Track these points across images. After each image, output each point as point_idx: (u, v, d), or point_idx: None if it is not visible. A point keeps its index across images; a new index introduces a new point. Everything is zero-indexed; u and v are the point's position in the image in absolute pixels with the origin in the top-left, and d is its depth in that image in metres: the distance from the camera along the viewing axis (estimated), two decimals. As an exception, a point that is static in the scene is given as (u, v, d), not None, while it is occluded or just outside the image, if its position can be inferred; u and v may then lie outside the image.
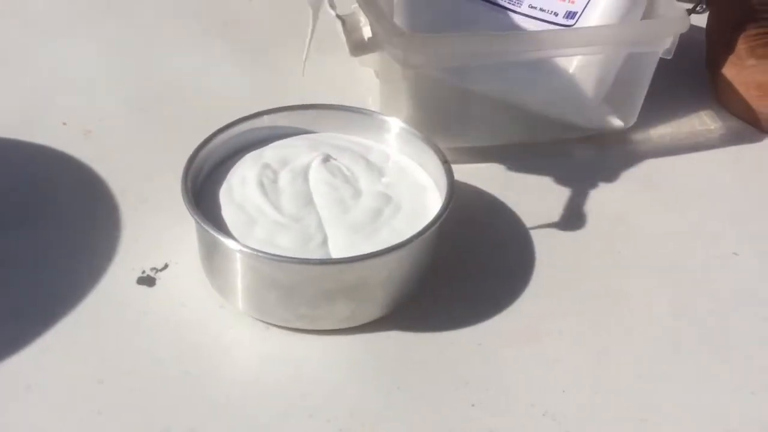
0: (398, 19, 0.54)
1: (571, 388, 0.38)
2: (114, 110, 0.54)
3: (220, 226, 0.39)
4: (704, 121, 0.57)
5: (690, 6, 0.61)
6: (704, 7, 0.61)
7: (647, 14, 0.53)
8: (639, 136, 0.55)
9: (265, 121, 0.45)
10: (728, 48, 0.58)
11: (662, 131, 0.56)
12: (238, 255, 0.38)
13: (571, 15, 0.53)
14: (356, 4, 0.54)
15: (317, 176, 0.42)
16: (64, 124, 0.52)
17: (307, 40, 0.47)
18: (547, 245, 0.45)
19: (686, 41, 0.54)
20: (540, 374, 0.39)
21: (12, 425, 0.35)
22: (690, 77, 0.60)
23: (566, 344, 0.40)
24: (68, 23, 0.63)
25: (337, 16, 0.54)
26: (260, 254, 0.37)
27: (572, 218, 0.48)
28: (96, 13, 0.64)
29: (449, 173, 0.42)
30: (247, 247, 0.38)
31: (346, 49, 0.53)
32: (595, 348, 0.40)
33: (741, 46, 0.57)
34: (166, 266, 0.42)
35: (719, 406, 0.38)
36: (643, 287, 0.44)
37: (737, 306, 0.43)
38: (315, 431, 0.36)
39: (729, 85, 0.57)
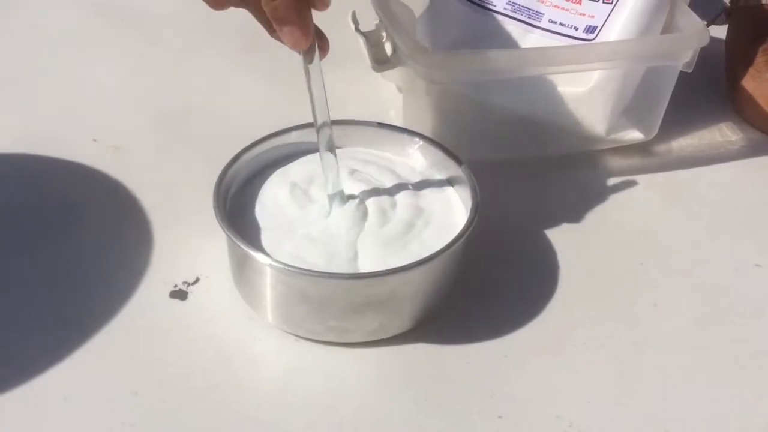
0: (420, 34, 0.55)
1: (596, 399, 0.38)
2: (143, 127, 0.55)
3: (251, 240, 0.40)
4: (725, 133, 0.58)
5: (710, 18, 0.62)
6: (724, 19, 0.62)
7: (667, 27, 0.53)
8: (660, 147, 0.55)
9: (291, 137, 0.46)
10: (747, 60, 0.58)
11: (683, 143, 0.56)
12: (268, 269, 0.39)
13: (591, 29, 0.54)
14: (378, 20, 0.55)
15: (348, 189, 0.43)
16: (94, 140, 0.53)
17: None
18: (571, 257, 0.46)
19: (706, 53, 0.54)
20: (565, 386, 0.39)
21: None
22: (710, 89, 0.61)
23: (590, 355, 0.41)
24: (98, 42, 0.65)
25: (359, 31, 0.56)
26: (290, 268, 0.38)
27: (595, 230, 0.48)
28: (124, 32, 0.65)
29: (474, 186, 0.42)
30: (278, 261, 0.39)
31: (369, 64, 0.54)
32: (619, 359, 0.41)
33: (760, 59, 0.58)
34: (197, 280, 0.43)
35: (743, 416, 0.38)
36: (666, 298, 0.44)
37: (760, 316, 0.43)
38: (344, 441, 0.37)
39: (749, 97, 0.57)
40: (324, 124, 0.41)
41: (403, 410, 0.38)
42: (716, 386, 0.40)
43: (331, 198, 0.42)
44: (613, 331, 0.42)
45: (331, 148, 0.42)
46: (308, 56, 0.40)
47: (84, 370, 0.39)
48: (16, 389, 0.38)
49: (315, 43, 0.40)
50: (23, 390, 0.38)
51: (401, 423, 0.37)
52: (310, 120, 0.42)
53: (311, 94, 0.41)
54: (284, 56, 0.63)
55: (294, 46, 0.39)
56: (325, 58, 0.41)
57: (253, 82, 0.60)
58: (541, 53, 0.50)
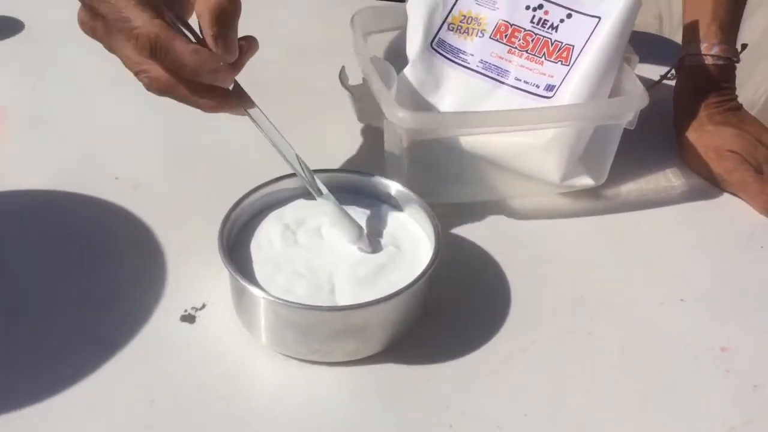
0: (402, 88, 0.62)
1: (532, 413, 0.46)
2: (159, 167, 0.63)
3: (248, 275, 0.48)
4: (669, 178, 0.65)
5: (663, 74, 0.70)
6: (674, 74, 0.70)
7: (615, 87, 0.61)
8: (609, 192, 0.63)
9: (284, 184, 0.54)
10: (691, 113, 0.66)
11: (630, 187, 0.64)
12: (262, 301, 0.47)
13: (550, 88, 0.61)
14: (364, 76, 0.63)
15: (329, 236, 0.51)
16: (116, 178, 0.61)
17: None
18: (520, 290, 0.54)
19: (660, 103, 0.62)
20: (507, 401, 0.47)
21: None
22: (661, 136, 0.68)
23: (531, 376, 0.48)
24: (119, 88, 0.72)
25: (347, 87, 0.64)
26: (280, 301, 0.46)
27: (546, 265, 0.56)
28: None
29: (437, 231, 0.50)
30: (270, 294, 0.46)
31: (355, 115, 0.62)
32: (555, 379, 0.48)
33: (702, 112, 0.65)
34: (204, 306, 0.51)
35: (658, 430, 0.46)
36: (600, 327, 0.52)
37: (677, 344, 0.51)
38: (323, 445, 0.44)
39: (691, 146, 0.65)
40: (299, 164, 0.49)
41: (373, 419, 0.46)
42: (640, 406, 0.47)
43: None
44: (551, 356, 0.50)
45: (312, 182, 0.50)
46: (237, 108, 0.47)
47: (108, 383, 0.46)
48: (48, 400, 0.45)
49: (240, 95, 0.46)
50: (55, 400, 0.45)
51: (371, 429, 0.45)
52: (309, 164, 0.50)
53: (270, 140, 0.48)
54: (286, 104, 0.70)
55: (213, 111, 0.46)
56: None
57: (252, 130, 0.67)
58: (505, 115, 0.58)
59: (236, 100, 0.46)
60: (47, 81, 0.74)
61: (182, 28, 0.45)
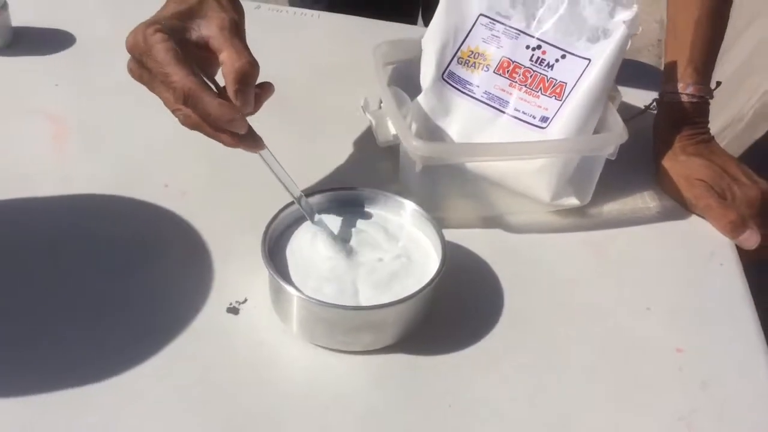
0: (415, 114, 0.71)
1: (518, 398, 0.56)
2: (203, 178, 0.71)
3: (285, 276, 0.58)
4: (646, 200, 0.74)
5: (645, 106, 0.79)
6: (655, 106, 0.79)
7: (601, 121, 0.70)
8: (593, 211, 0.72)
9: (315, 199, 0.63)
10: (667, 144, 0.75)
11: (611, 207, 0.73)
12: (295, 298, 0.56)
13: (544, 119, 0.70)
14: (383, 103, 0.72)
15: (352, 245, 0.60)
16: (166, 186, 0.70)
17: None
18: (515, 294, 0.63)
19: (642, 132, 0.70)
20: (497, 388, 0.56)
21: (138, 417, 0.53)
22: (641, 162, 0.77)
23: (519, 368, 0.58)
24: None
25: (368, 114, 0.73)
26: (311, 300, 0.55)
27: (535, 274, 0.65)
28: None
29: (444, 245, 0.59)
30: (303, 293, 0.56)
31: (377, 139, 0.72)
32: (538, 371, 0.58)
33: (677, 144, 0.74)
34: (245, 300, 0.61)
35: (628, 424, 0.55)
36: (577, 332, 0.61)
37: (640, 344, 0.60)
38: (346, 419, 0.54)
39: (666, 172, 0.74)
40: (299, 197, 0.59)
41: (385, 398, 0.55)
42: (607, 395, 0.57)
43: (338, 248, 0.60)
44: (537, 352, 0.59)
45: (311, 212, 0.59)
46: (251, 148, 0.57)
47: (166, 365, 0.55)
48: (114, 378, 0.54)
49: (253, 138, 0.56)
50: (121, 378, 0.54)
51: (383, 407, 0.55)
52: (329, 184, 0.59)
53: (277, 177, 0.58)
54: (318, 122, 0.79)
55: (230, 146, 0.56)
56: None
57: (291, 137, 0.74)
58: (505, 147, 0.67)
59: (250, 141, 0.57)
60: (97, 93, 0.82)
61: (209, 82, 0.55)
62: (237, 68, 0.53)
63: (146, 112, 0.78)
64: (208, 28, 0.55)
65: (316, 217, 0.61)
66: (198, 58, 0.55)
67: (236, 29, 0.55)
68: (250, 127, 0.56)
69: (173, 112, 0.55)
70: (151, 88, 0.56)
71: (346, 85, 0.82)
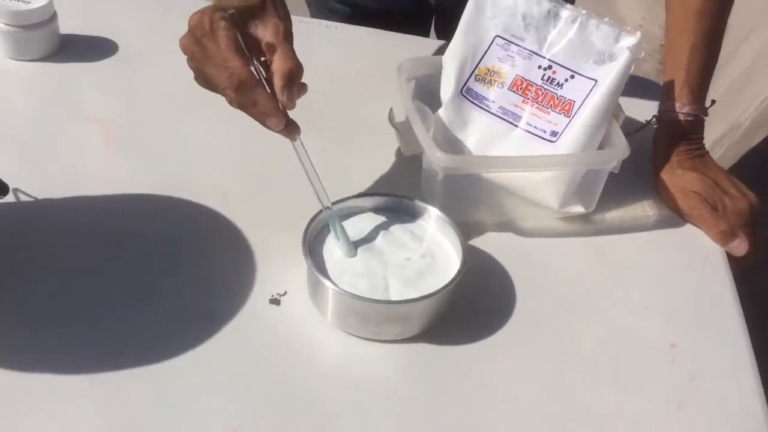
0: (437, 127, 0.78)
1: (531, 382, 0.63)
2: (245, 181, 0.77)
3: (322, 272, 0.65)
4: (645, 209, 0.81)
5: (647, 120, 0.86)
6: (655, 122, 0.86)
7: (606, 137, 0.77)
8: (597, 218, 0.79)
9: (349, 203, 0.70)
10: (665, 158, 0.81)
11: (614, 215, 0.79)
12: (332, 292, 0.63)
13: (554, 134, 0.77)
14: (408, 117, 0.79)
15: (379, 246, 0.67)
16: (213, 186, 0.77)
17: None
18: (525, 293, 0.70)
19: (642, 147, 0.77)
20: (511, 373, 0.63)
21: (193, 394, 0.60)
22: (641, 175, 0.83)
23: (530, 357, 0.65)
24: (203, 107, 0.86)
25: (394, 126, 0.80)
26: (346, 293, 0.62)
27: (544, 274, 0.72)
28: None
29: (465, 247, 0.67)
30: (338, 287, 0.63)
31: (402, 149, 0.78)
32: (546, 362, 0.65)
33: (674, 158, 0.81)
34: (286, 293, 0.67)
35: (623, 410, 0.63)
36: (580, 326, 0.68)
37: (638, 340, 0.67)
38: (375, 399, 0.61)
39: (664, 184, 0.81)
40: (320, 188, 0.66)
41: (412, 383, 0.62)
42: (607, 385, 0.64)
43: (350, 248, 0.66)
44: (544, 346, 0.66)
45: (332, 217, 0.66)
46: (290, 136, 0.62)
47: (215, 350, 0.62)
48: (169, 360, 0.61)
49: (289, 129, 0.62)
50: (175, 361, 0.61)
51: (410, 391, 0.62)
52: (358, 190, 0.65)
53: (306, 171, 0.65)
54: (344, 131, 0.85)
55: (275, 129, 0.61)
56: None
57: (319, 144, 0.80)
58: (519, 160, 0.74)
59: (287, 130, 0.63)
60: (141, 98, 0.88)
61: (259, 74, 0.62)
62: (286, 68, 0.61)
63: (183, 117, 0.86)
64: (265, 31, 0.62)
65: (330, 209, 0.67)
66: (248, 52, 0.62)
67: (289, 36, 0.63)
68: (288, 120, 0.63)
69: (222, 90, 0.61)
70: (201, 66, 0.61)
71: (370, 96, 0.88)
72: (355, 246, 0.67)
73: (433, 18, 1.26)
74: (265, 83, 0.62)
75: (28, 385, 0.59)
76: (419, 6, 1.19)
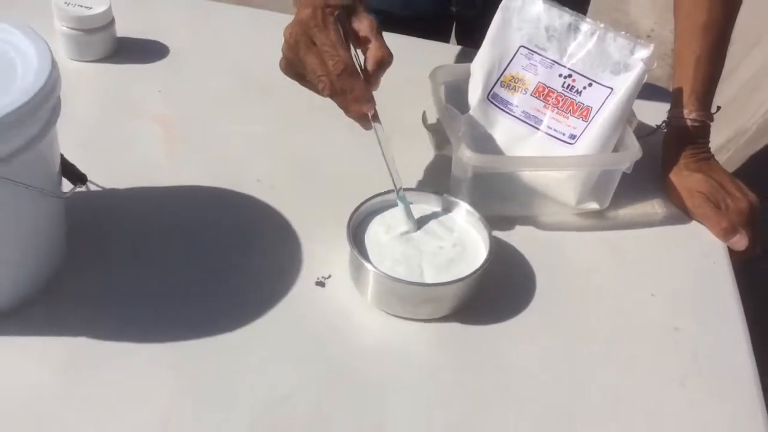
0: (465, 128, 0.86)
1: (547, 362, 0.70)
2: (289, 174, 0.84)
3: (364, 257, 0.72)
4: (655, 207, 0.89)
5: (657, 124, 0.93)
6: (665, 126, 0.93)
7: (620, 140, 0.84)
8: (610, 214, 0.86)
9: (387, 197, 0.77)
10: (674, 160, 0.89)
11: (626, 212, 0.87)
12: (372, 274, 0.71)
13: (572, 137, 0.85)
14: (440, 118, 0.86)
15: (417, 235, 0.75)
16: (258, 180, 0.85)
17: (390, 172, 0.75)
18: (544, 281, 0.77)
19: (653, 149, 0.85)
20: (529, 351, 0.71)
21: (247, 367, 0.67)
22: (652, 175, 0.90)
23: (548, 339, 0.72)
24: (250, 107, 0.94)
25: (426, 127, 0.88)
26: (387, 276, 0.70)
27: (561, 264, 0.80)
28: (261, 98, 0.96)
29: (491, 237, 0.74)
30: (378, 270, 0.71)
31: (432, 146, 0.86)
32: (563, 342, 0.72)
33: (681, 161, 0.88)
34: (330, 276, 0.75)
35: (624, 383, 0.70)
36: (593, 311, 0.75)
37: (645, 324, 0.75)
38: (410, 372, 0.68)
39: (672, 185, 0.88)
40: (397, 185, 0.74)
41: (443, 357, 0.70)
42: (618, 362, 0.71)
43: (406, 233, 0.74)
44: (561, 328, 0.73)
45: (403, 198, 0.74)
46: (372, 122, 0.71)
47: (268, 327, 0.69)
48: (224, 334, 0.68)
49: (375, 113, 0.70)
50: (229, 336, 0.68)
51: (442, 364, 0.69)
52: (410, 183, 0.73)
53: (384, 155, 0.73)
54: (394, 132, 0.91)
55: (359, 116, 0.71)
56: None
57: (358, 143, 0.85)
58: (542, 160, 0.82)
59: (374, 115, 0.72)
60: (193, 98, 0.95)
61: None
62: (379, 56, 0.71)
63: (234, 116, 0.94)
64: (361, 24, 0.72)
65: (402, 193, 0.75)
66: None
67: (380, 30, 0.73)
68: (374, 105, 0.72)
69: (317, 77, 0.70)
70: (303, 54, 0.70)
71: (403, 98, 0.95)
72: (392, 234, 0.75)
73: (454, 25, 1.33)
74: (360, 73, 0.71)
75: (106, 352, 0.67)
76: (441, 13, 1.26)
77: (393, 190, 0.76)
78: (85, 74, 0.98)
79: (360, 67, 0.72)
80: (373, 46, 0.71)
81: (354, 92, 0.69)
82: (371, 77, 0.71)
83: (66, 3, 0.97)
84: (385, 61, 0.71)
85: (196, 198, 0.82)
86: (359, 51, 0.73)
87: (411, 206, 0.76)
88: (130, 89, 0.97)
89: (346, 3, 0.72)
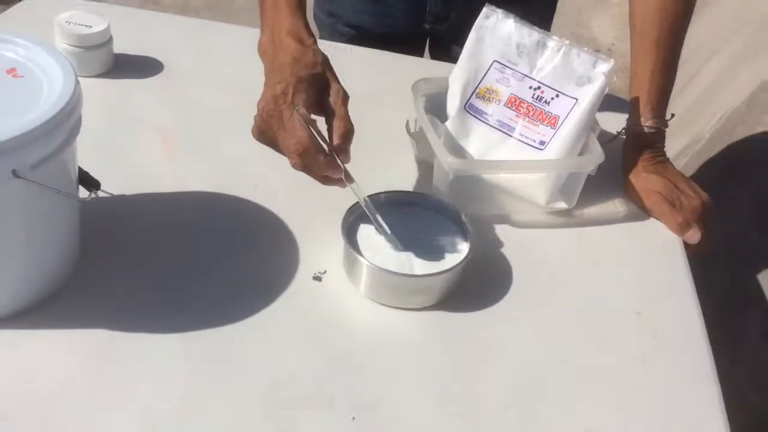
0: (444, 135, 0.94)
1: (523, 341, 0.78)
2: (285, 179, 0.89)
3: (358, 252, 0.80)
4: (616, 205, 0.97)
5: (618, 131, 1.02)
6: (624, 133, 1.02)
7: (585, 145, 0.93)
8: (577, 212, 0.94)
9: (374, 198, 0.85)
10: (633, 163, 0.97)
11: (591, 210, 0.95)
12: (366, 267, 0.78)
13: (542, 143, 0.93)
14: (423, 127, 0.94)
15: (405, 232, 0.83)
16: (256, 186, 0.92)
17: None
18: (520, 273, 0.85)
19: (614, 154, 0.94)
20: (506, 333, 0.79)
21: (247, 354, 0.74)
22: (613, 177, 0.99)
23: (523, 322, 0.80)
24: (244, 119, 1.02)
25: (410, 135, 0.96)
26: (380, 268, 0.77)
27: (534, 258, 0.88)
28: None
29: (471, 234, 0.82)
30: (372, 263, 0.78)
31: (417, 155, 0.94)
32: (537, 325, 0.80)
33: (640, 163, 0.97)
34: (326, 271, 0.82)
35: (596, 360, 0.79)
36: (564, 297, 0.84)
37: (608, 306, 0.83)
38: (403, 355, 0.76)
39: (631, 186, 0.97)
40: (372, 214, 0.80)
41: (431, 342, 0.77)
42: (586, 341, 0.79)
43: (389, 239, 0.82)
44: (535, 313, 0.81)
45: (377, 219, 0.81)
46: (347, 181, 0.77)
47: (269, 319, 0.76)
48: (227, 325, 0.75)
49: (347, 175, 0.76)
50: (232, 328, 0.75)
51: (430, 347, 0.77)
52: (384, 188, 0.81)
53: (364, 207, 0.80)
54: (366, 140, 1.00)
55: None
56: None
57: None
58: (514, 163, 0.90)
59: (344, 179, 0.78)
60: (189, 111, 1.02)
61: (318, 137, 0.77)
62: (343, 130, 0.77)
63: (228, 127, 1.00)
64: (325, 96, 0.78)
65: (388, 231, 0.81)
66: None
67: (346, 100, 0.79)
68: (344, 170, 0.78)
69: (288, 154, 0.76)
70: (276, 128, 0.77)
71: (384, 108, 1.03)
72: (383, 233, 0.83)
73: (427, 41, 1.41)
74: (324, 146, 0.77)
75: (124, 342, 0.73)
76: (415, 30, 1.34)
77: (381, 192, 0.84)
78: (84, 89, 1.03)
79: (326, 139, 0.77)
80: (337, 119, 0.76)
81: (318, 167, 0.75)
82: (338, 150, 0.76)
83: (67, 22, 1.03)
84: (349, 133, 0.76)
85: (199, 203, 0.89)
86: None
87: (397, 208, 0.84)
88: (127, 103, 1.03)
89: (316, 73, 0.77)
